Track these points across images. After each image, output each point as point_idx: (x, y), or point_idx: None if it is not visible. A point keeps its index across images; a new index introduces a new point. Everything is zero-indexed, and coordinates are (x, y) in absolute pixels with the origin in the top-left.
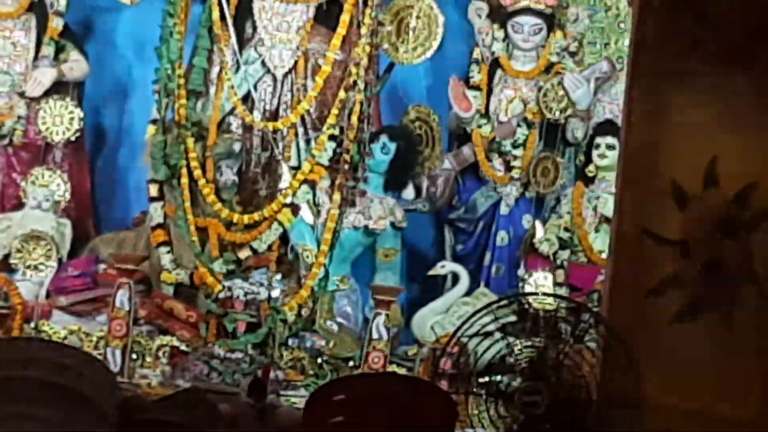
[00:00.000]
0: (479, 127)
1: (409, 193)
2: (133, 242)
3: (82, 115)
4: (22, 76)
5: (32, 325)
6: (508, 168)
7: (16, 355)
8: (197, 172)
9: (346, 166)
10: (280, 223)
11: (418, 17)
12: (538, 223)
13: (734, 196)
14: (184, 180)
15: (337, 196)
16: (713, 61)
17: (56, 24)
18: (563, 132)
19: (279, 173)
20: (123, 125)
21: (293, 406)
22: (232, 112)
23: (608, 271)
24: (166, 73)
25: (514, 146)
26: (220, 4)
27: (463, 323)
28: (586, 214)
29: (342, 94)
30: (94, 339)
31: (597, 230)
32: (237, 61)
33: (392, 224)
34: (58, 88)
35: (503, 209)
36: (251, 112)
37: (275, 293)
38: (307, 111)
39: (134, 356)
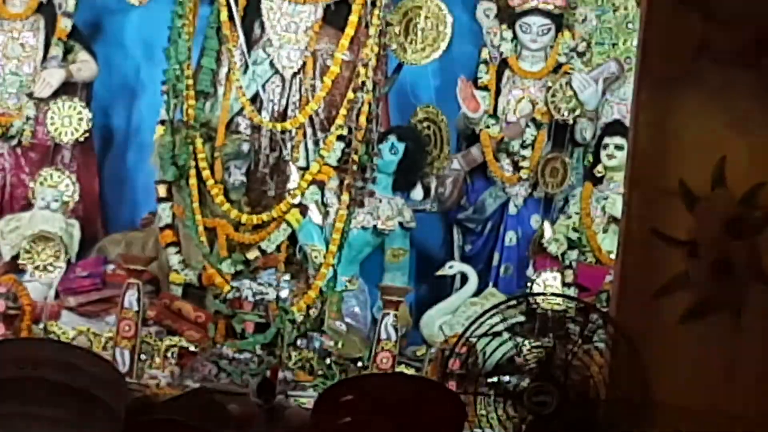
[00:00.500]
0: (488, 127)
1: (417, 193)
2: (142, 243)
3: (90, 115)
4: (30, 77)
5: (41, 325)
6: (517, 168)
7: (25, 355)
8: (206, 173)
9: (355, 167)
10: (289, 224)
11: (426, 18)
12: (546, 224)
13: (742, 196)
14: (193, 181)
15: (345, 197)
16: (722, 62)
17: (65, 25)
18: (572, 132)
19: (287, 174)
20: (131, 126)
21: (302, 407)
22: (240, 112)
23: (617, 272)
24: (175, 74)
25: (523, 147)
26: (228, 5)
27: (472, 323)
28: (595, 214)
29: (350, 94)
30: (103, 340)
31: (605, 230)
32: (245, 61)
33: (401, 225)
34: (67, 88)
35: (512, 209)
36: (260, 112)
37: (284, 294)
38: (316, 111)
39: (143, 357)
